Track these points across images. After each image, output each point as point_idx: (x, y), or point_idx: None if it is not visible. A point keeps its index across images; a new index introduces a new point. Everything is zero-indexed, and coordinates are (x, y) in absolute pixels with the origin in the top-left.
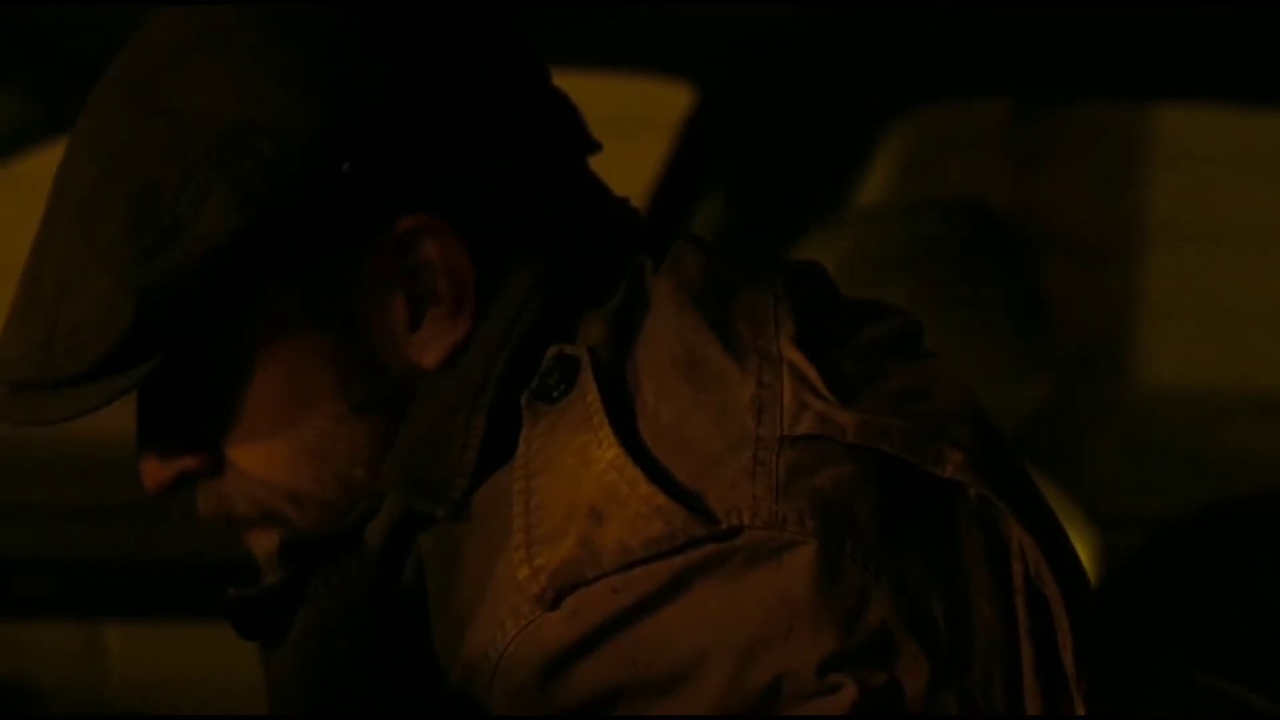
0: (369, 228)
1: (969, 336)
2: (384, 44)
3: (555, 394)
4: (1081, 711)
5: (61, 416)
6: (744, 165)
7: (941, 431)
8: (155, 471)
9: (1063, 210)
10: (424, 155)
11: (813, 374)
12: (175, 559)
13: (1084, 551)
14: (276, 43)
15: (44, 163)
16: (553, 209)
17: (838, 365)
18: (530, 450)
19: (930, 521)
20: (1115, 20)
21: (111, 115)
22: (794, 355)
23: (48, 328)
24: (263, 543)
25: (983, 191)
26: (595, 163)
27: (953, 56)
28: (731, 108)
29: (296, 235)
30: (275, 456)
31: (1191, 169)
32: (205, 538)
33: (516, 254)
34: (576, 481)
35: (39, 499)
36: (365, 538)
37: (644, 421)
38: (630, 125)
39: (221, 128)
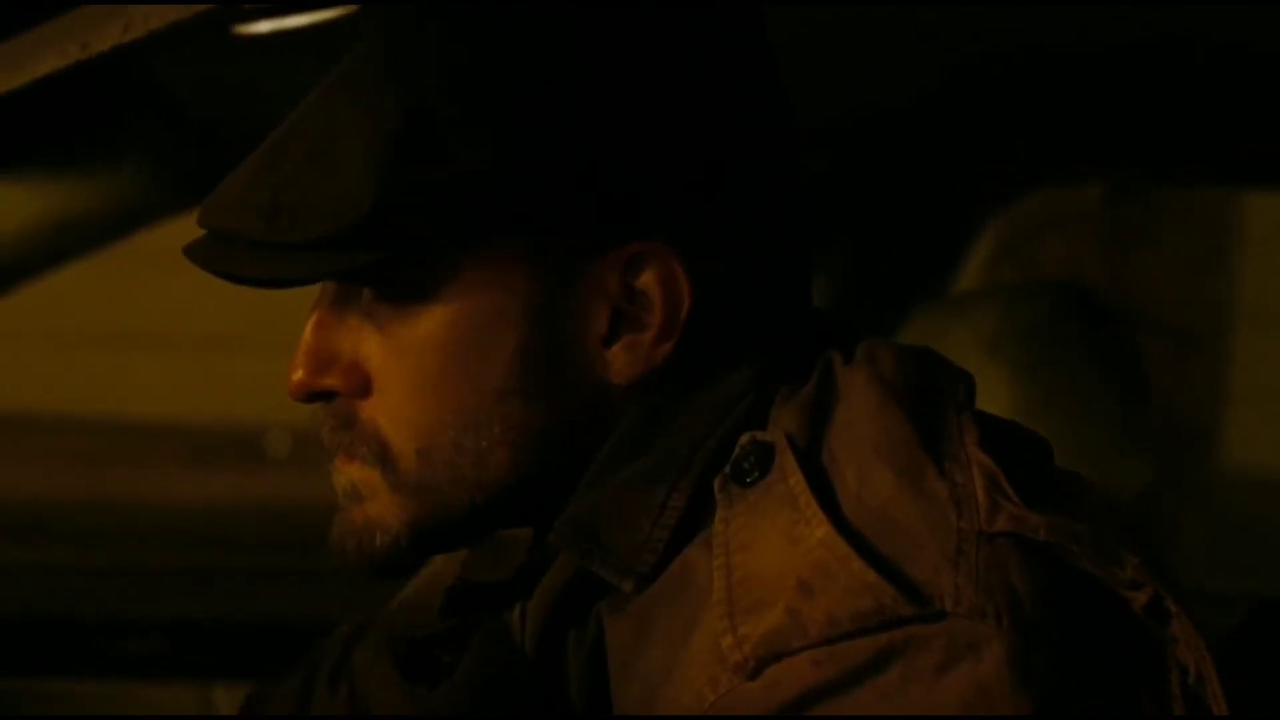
0: (608, 231)
1: (1071, 417)
2: (689, 78)
3: (749, 478)
4: None
5: (259, 276)
6: (852, 247)
7: (1118, 536)
8: (304, 376)
9: (1154, 293)
10: (683, 186)
11: (1000, 477)
12: (283, 621)
13: None
14: (592, 32)
15: (173, 234)
16: (783, 292)
17: (1017, 471)
18: (730, 530)
19: (1105, 622)
20: (1208, 106)
21: (418, 30)
22: (981, 458)
23: (278, 189)
24: (344, 477)
25: (1076, 274)
26: None
27: (1056, 141)
28: (839, 190)
29: (552, 205)
30: (428, 404)
31: None
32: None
33: (743, 331)
34: (784, 557)
35: (152, 562)
36: (535, 592)
37: (847, 504)
38: None
39: (525, 85)
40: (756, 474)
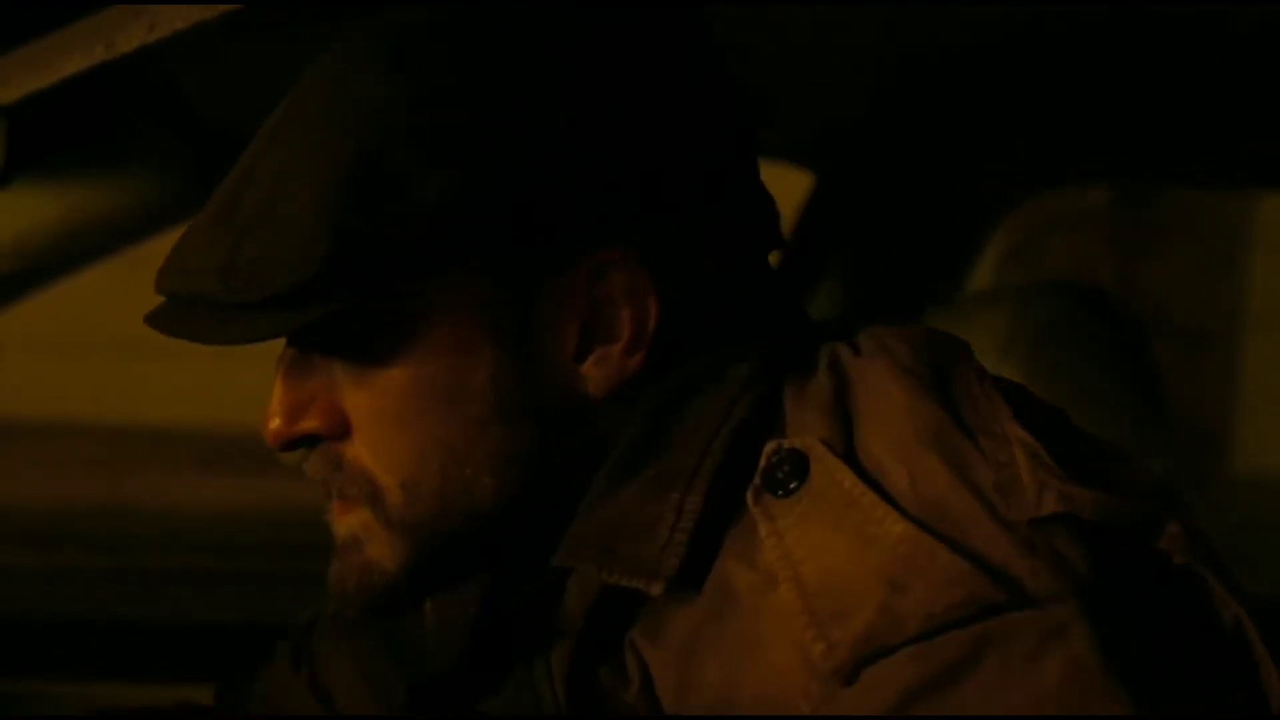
0: (569, 247)
1: (1084, 418)
2: (641, 88)
3: (786, 488)
4: None
5: (219, 339)
6: (859, 251)
7: (1157, 504)
8: (281, 425)
9: (1164, 295)
10: (642, 195)
11: (1042, 452)
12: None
13: None
14: (539, 47)
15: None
16: (761, 290)
17: (1053, 443)
18: (785, 543)
19: (1148, 588)
20: (1218, 107)
21: (363, 64)
22: (1019, 434)
23: (233, 249)
24: (345, 526)
25: (1085, 276)
26: None
27: (1065, 143)
28: (848, 194)
29: (504, 233)
30: (409, 439)
31: None
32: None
33: (724, 333)
34: (862, 559)
35: (166, 566)
36: (557, 618)
37: (906, 500)
38: None
39: (471, 108)
40: (794, 483)
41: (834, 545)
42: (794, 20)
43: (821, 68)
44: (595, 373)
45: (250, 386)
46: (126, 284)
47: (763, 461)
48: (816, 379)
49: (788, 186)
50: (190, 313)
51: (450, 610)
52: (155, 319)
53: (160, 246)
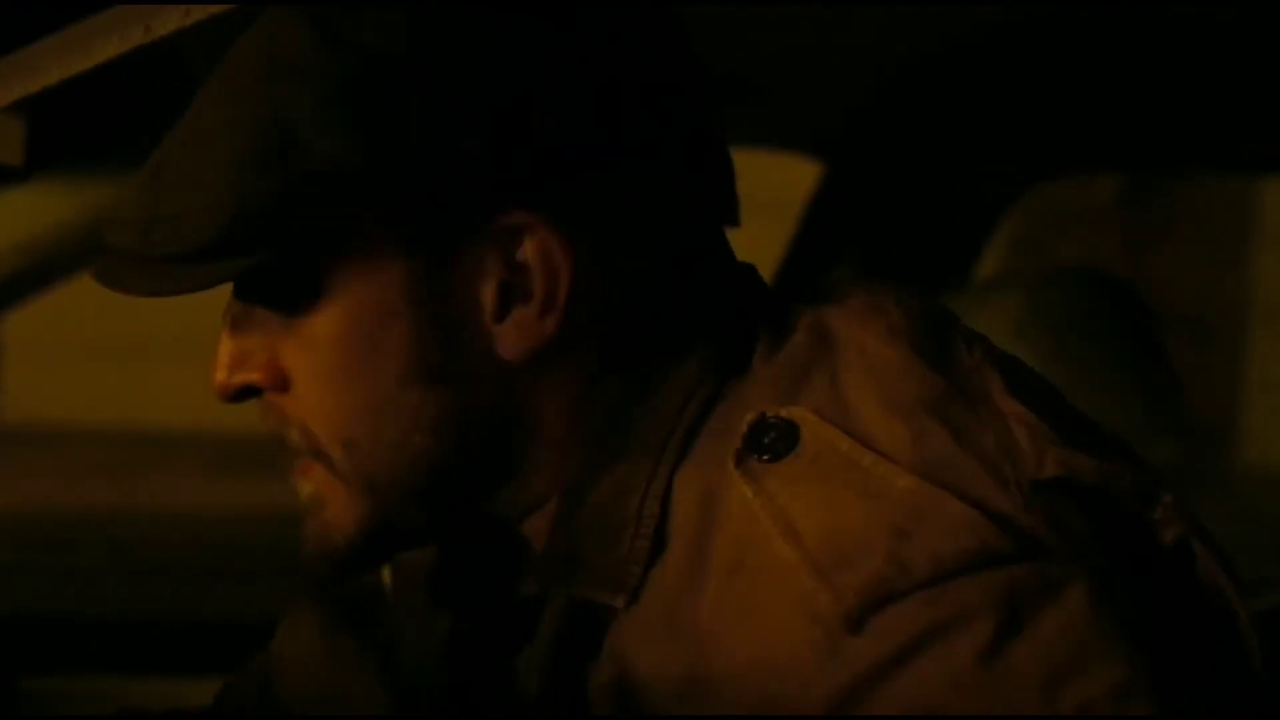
0: (478, 210)
1: (1096, 402)
2: (556, 40)
3: (775, 453)
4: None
5: (147, 290)
6: (868, 242)
7: (1150, 475)
8: (223, 375)
9: (1169, 287)
10: (558, 158)
11: (1035, 420)
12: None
13: None
14: (450, 4)
15: None
16: (712, 261)
17: (1046, 413)
18: (777, 502)
19: (1143, 555)
20: (1227, 96)
21: (279, 24)
22: (1012, 407)
23: (154, 204)
24: (307, 485)
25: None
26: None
27: (1074, 133)
28: (856, 184)
29: (409, 192)
30: (338, 399)
31: None
32: None
33: (672, 299)
34: (867, 512)
35: (177, 565)
36: (536, 637)
37: (907, 460)
38: (753, 204)
39: (372, 64)
40: (783, 449)
41: (834, 501)
42: (802, 8)
43: (829, 57)
44: (512, 334)
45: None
46: None
47: (743, 428)
48: (794, 345)
49: (797, 176)
50: (122, 264)
51: (423, 623)
52: (96, 271)
53: None
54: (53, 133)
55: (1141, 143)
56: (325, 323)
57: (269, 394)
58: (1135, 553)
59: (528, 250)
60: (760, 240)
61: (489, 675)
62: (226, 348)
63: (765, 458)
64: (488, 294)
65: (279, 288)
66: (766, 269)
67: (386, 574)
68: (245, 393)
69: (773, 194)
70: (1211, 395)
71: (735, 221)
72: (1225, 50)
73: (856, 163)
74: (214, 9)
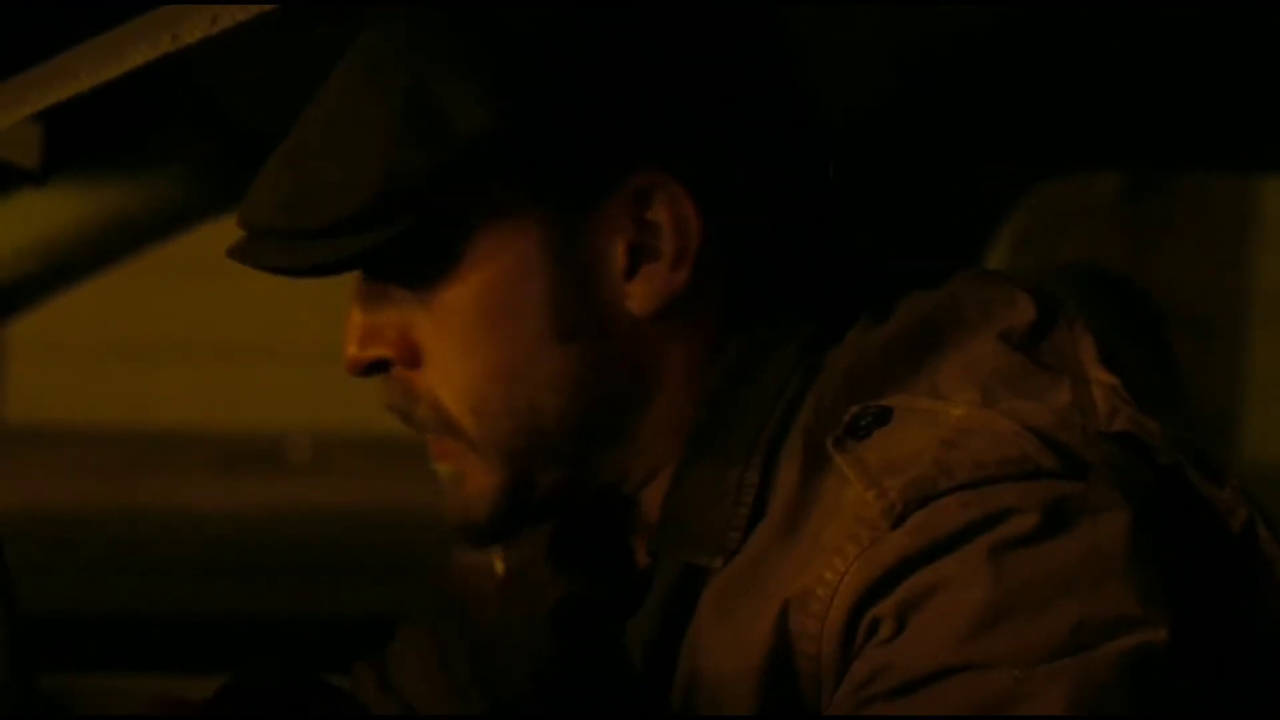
0: (611, 170)
1: None
2: (683, 14)
3: (869, 431)
4: None
5: (286, 265)
6: (869, 241)
7: (1222, 464)
8: (355, 350)
9: (1171, 284)
10: (686, 125)
11: (1119, 387)
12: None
13: None
14: None
15: (198, 244)
16: (821, 237)
17: (1132, 385)
18: (864, 458)
19: (1195, 524)
20: (1229, 93)
21: (394, 26)
22: (1100, 374)
23: (299, 184)
24: (445, 465)
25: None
26: None
27: (1078, 131)
28: (856, 184)
29: (550, 157)
30: (473, 363)
31: None
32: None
33: (783, 270)
34: (922, 434)
35: (180, 564)
36: (645, 601)
37: (976, 401)
38: None
39: (509, 36)
40: (875, 426)
41: (901, 432)
42: (801, 8)
43: (829, 56)
44: (642, 289)
45: (260, 390)
46: (140, 289)
47: (845, 418)
48: (897, 333)
49: None
50: (263, 243)
51: (522, 602)
52: (234, 250)
53: (174, 249)
54: (69, 137)
55: (1142, 141)
56: (462, 289)
57: (397, 369)
58: (1191, 518)
59: (659, 209)
60: None
61: (596, 644)
62: (357, 322)
63: (863, 435)
64: (619, 251)
65: (414, 260)
66: None
67: (498, 562)
68: (375, 367)
69: None
70: (1212, 392)
71: (833, 205)
72: (1225, 50)
73: (856, 162)
74: (240, 16)
